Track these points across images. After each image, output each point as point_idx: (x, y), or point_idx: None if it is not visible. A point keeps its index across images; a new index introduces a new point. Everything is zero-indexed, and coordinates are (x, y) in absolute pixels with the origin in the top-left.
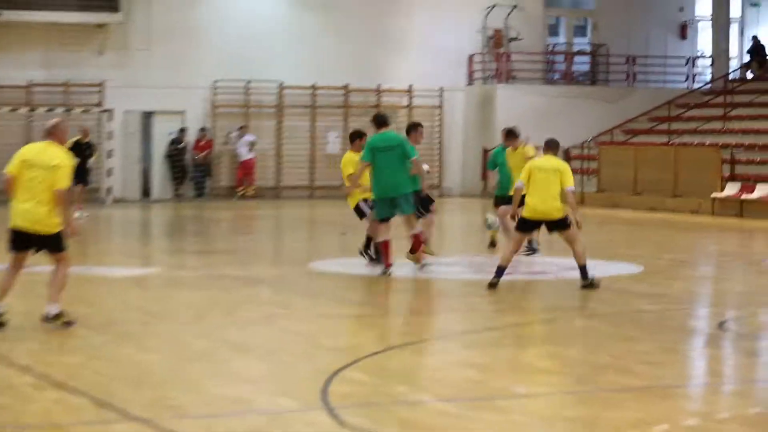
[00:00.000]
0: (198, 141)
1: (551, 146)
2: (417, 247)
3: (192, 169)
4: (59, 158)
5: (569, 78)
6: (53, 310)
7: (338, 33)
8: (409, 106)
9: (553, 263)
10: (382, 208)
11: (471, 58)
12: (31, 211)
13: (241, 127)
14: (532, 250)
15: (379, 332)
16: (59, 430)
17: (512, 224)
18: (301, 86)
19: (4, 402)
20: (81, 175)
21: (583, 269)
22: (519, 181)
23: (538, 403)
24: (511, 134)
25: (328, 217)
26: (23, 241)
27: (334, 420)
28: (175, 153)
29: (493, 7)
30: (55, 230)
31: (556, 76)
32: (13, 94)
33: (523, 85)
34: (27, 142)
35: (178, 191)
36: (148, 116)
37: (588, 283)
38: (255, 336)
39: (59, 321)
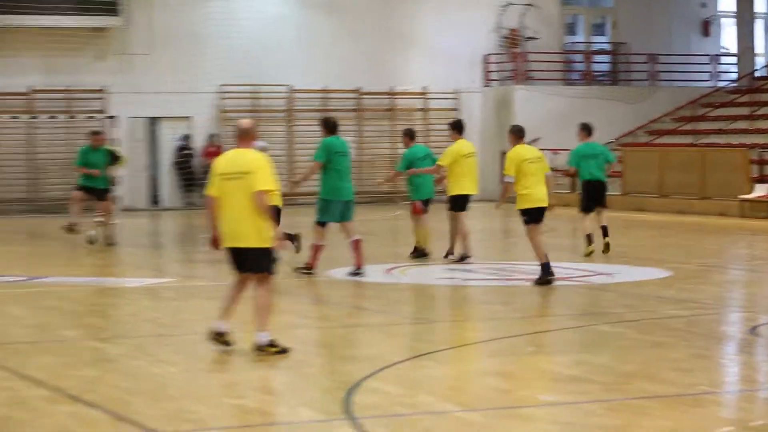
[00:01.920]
0: (207, 147)
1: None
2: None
3: (201, 176)
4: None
5: (589, 78)
6: (264, 338)
7: (349, 34)
8: (424, 109)
9: (576, 268)
10: (335, 210)
11: (486, 58)
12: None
13: None
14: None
15: (401, 341)
16: None
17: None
18: (312, 89)
19: (18, 416)
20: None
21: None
22: (508, 176)
23: (566, 412)
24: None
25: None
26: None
27: (358, 431)
28: (183, 160)
29: (508, 5)
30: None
31: (576, 76)
32: (14, 102)
33: (542, 86)
34: (29, 150)
35: (188, 199)
36: (153, 122)
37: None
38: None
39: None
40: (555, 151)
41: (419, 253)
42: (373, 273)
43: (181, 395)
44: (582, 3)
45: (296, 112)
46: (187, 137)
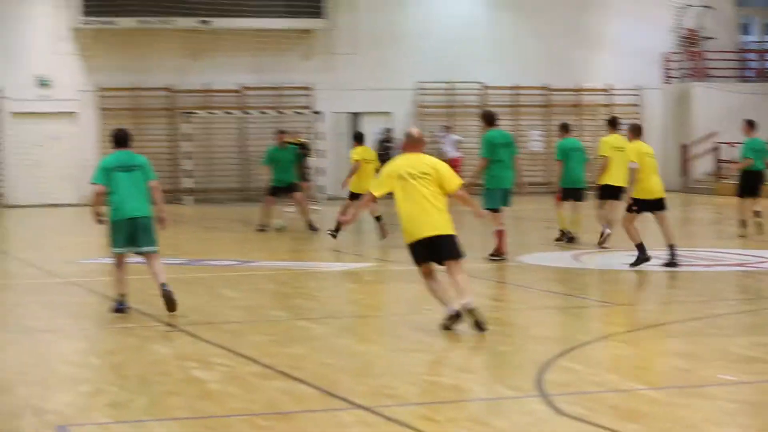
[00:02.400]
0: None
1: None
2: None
3: None
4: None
5: (763, 75)
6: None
7: (537, 34)
8: (608, 105)
9: (751, 255)
10: (498, 197)
11: (666, 56)
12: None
13: (445, 127)
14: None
15: (586, 323)
16: (286, 417)
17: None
18: (503, 86)
19: (232, 391)
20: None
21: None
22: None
23: (747, 391)
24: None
25: (532, 213)
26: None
27: (550, 407)
28: (384, 152)
29: (687, 7)
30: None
31: (750, 73)
32: (226, 98)
33: (718, 83)
34: (240, 144)
35: None
36: (355, 117)
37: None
38: (468, 327)
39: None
40: (731, 144)
41: (567, 238)
42: (562, 259)
43: (383, 373)
44: (756, 4)
45: (488, 108)
46: (388, 130)
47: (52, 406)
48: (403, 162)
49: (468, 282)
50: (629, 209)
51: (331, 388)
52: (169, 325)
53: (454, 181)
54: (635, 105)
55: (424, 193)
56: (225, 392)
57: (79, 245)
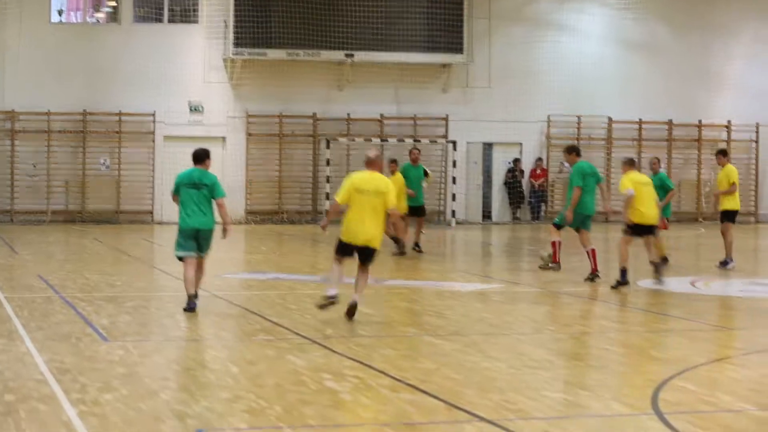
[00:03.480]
0: (534, 170)
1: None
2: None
3: (529, 194)
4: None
5: None
6: None
7: (662, 71)
8: (728, 140)
9: None
10: (576, 220)
11: None
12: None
13: None
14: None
15: (702, 346)
16: (413, 428)
17: None
18: (628, 120)
19: (365, 401)
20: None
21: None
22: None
23: None
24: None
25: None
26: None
27: (664, 425)
28: (512, 180)
29: None
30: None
31: None
32: (367, 127)
33: None
34: (394, 171)
35: (516, 215)
36: (488, 147)
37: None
38: (589, 347)
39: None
40: None
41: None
42: (679, 284)
43: (507, 388)
44: None
45: (614, 140)
46: (516, 160)
47: (192, 410)
48: (360, 178)
49: (365, 284)
50: (626, 231)
51: (456, 401)
52: (306, 338)
53: (391, 201)
54: (753, 141)
55: (370, 207)
56: (356, 402)
57: (223, 261)
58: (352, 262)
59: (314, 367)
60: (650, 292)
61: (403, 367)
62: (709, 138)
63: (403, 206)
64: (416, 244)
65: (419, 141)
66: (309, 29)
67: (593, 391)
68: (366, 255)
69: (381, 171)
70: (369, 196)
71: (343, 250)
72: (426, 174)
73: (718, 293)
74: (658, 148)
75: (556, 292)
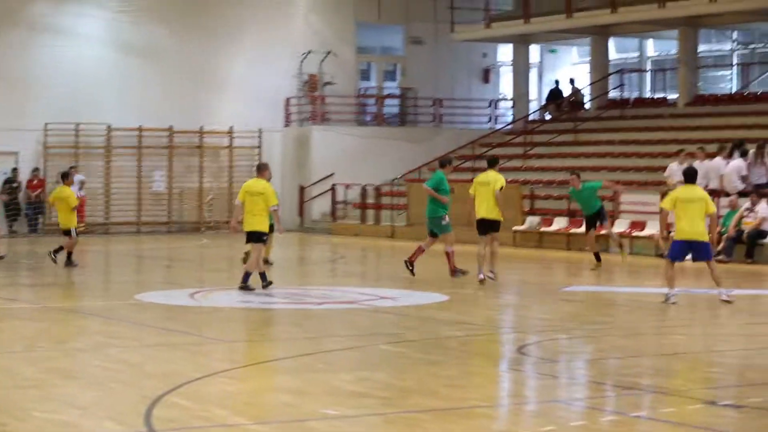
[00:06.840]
0: (31, 180)
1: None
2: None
3: (25, 206)
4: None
5: (380, 119)
6: None
7: (162, 77)
8: (230, 147)
9: (362, 293)
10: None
11: (288, 101)
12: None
13: (72, 167)
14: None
15: (199, 360)
16: None
17: None
18: (128, 128)
19: None
20: None
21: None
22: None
23: (348, 424)
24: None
25: (151, 252)
26: None
27: None
28: (9, 191)
29: (309, 53)
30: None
31: (368, 117)
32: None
33: (337, 127)
34: None
35: (12, 227)
36: None
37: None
38: (84, 364)
39: None
40: (348, 185)
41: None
42: (179, 296)
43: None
44: (375, 52)
45: (114, 148)
46: (15, 170)
47: None
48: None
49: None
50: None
51: None
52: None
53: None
54: (256, 147)
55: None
56: None
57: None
58: None
59: None
60: (149, 306)
61: None
62: (212, 145)
63: None
64: None
65: None
66: None
67: (87, 409)
68: None
69: None
70: None
71: None
72: None
73: (217, 305)
74: (160, 156)
75: (54, 307)
